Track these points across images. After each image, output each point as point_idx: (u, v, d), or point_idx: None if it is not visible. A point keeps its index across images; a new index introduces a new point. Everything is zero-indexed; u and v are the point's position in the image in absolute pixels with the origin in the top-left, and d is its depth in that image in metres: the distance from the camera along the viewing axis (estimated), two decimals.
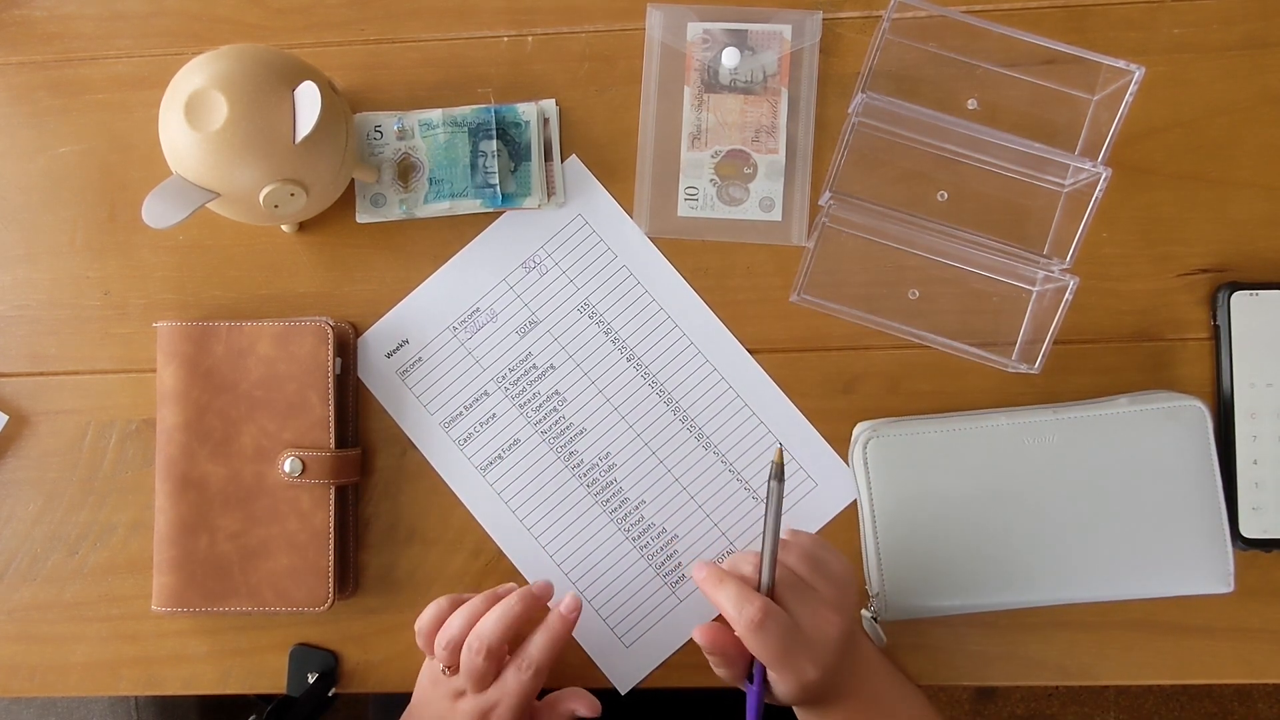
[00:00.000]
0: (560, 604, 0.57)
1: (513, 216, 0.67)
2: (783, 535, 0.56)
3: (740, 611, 0.51)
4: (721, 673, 0.56)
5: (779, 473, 0.53)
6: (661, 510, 0.66)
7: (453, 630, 0.56)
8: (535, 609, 0.57)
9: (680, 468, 0.66)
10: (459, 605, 0.58)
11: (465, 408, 0.67)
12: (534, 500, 0.66)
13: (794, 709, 0.58)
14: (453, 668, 0.57)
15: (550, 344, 0.67)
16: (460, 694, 0.57)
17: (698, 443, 0.66)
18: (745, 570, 0.55)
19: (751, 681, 0.54)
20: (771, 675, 0.52)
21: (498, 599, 0.57)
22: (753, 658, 0.53)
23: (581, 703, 0.58)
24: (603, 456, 0.66)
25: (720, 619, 0.54)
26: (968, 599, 0.61)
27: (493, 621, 0.55)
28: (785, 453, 0.65)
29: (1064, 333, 0.63)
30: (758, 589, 0.53)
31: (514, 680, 0.55)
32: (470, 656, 0.55)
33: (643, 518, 0.66)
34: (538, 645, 0.56)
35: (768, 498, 0.53)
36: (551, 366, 0.66)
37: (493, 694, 0.56)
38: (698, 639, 0.54)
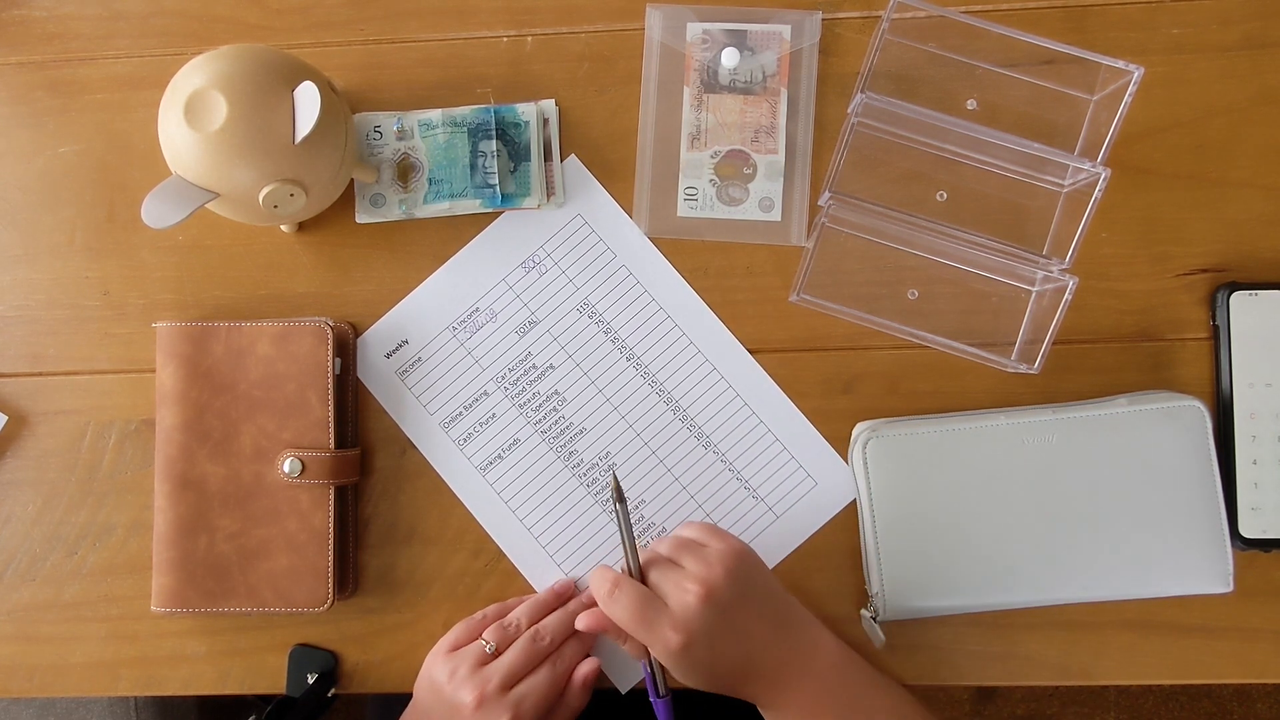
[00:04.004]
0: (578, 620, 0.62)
1: (512, 216, 0.67)
2: (685, 534, 0.60)
3: (598, 587, 0.57)
4: (627, 648, 0.61)
5: (620, 495, 0.58)
6: (661, 510, 0.66)
7: (520, 616, 0.63)
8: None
9: (680, 468, 0.66)
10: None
11: (465, 408, 0.67)
12: (534, 500, 0.66)
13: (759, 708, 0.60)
14: (501, 648, 0.61)
15: (550, 344, 0.67)
16: (479, 700, 0.59)
17: (698, 443, 0.66)
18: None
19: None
20: (643, 642, 0.56)
21: (556, 596, 0.64)
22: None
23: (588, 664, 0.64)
24: (603, 456, 0.66)
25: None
26: (968, 599, 0.61)
27: (559, 620, 0.62)
28: (787, 449, 0.65)
29: (1063, 333, 0.63)
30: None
31: (547, 674, 0.61)
32: (533, 642, 0.61)
33: (643, 517, 0.66)
34: (574, 646, 0.63)
35: (616, 515, 0.59)
36: (551, 366, 0.66)
37: (521, 689, 0.60)
38: (580, 625, 0.60)
